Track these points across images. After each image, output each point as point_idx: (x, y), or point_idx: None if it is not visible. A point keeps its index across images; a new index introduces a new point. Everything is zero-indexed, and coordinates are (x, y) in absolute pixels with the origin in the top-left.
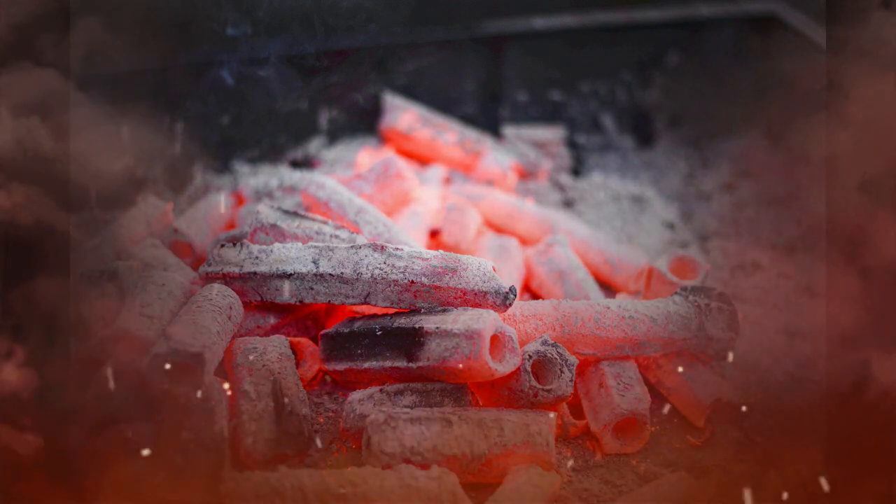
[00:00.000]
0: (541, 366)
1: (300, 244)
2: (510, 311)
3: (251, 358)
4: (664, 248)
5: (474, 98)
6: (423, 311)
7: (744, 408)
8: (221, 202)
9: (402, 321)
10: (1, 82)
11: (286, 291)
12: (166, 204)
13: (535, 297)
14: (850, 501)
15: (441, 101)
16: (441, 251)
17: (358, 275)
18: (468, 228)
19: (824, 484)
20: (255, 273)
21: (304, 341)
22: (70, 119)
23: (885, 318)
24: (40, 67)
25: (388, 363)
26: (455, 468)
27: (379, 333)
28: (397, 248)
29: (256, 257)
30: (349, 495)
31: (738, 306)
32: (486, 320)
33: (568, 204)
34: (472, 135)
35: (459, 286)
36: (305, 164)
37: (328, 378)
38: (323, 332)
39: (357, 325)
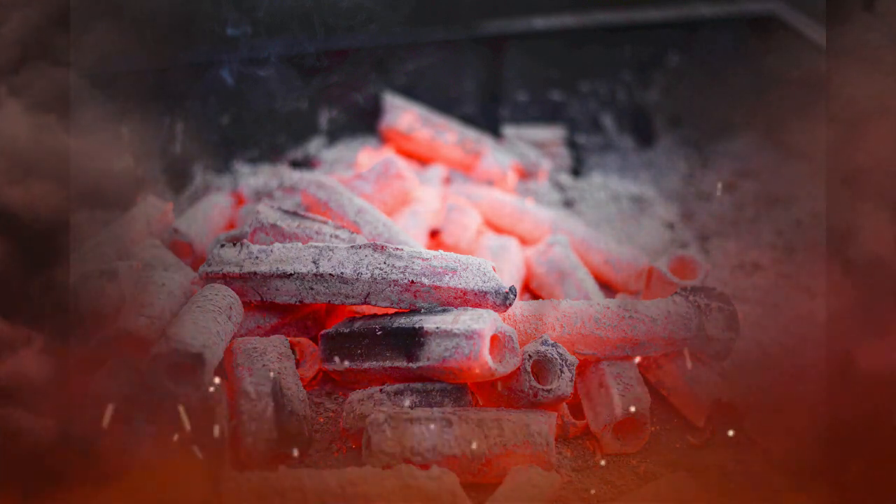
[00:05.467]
0: (541, 366)
1: (300, 244)
2: (510, 311)
3: (251, 358)
4: (664, 248)
5: (474, 98)
6: (423, 311)
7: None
8: (222, 202)
9: (402, 321)
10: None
11: (286, 291)
12: (166, 204)
13: (535, 297)
14: (851, 499)
15: (441, 101)
16: (441, 251)
17: (358, 275)
18: (468, 228)
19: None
20: (255, 273)
21: (304, 341)
22: (71, 118)
23: (877, 313)
24: (52, 66)
25: (388, 363)
26: (455, 468)
27: (379, 333)
28: (397, 248)
29: (256, 257)
30: (349, 495)
31: (738, 306)
32: (486, 320)
33: (568, 204)
34: (472, 135)
35: (459, 286)
36: (305, 164)
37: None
38: (323, 332)
39: (357, 325)
